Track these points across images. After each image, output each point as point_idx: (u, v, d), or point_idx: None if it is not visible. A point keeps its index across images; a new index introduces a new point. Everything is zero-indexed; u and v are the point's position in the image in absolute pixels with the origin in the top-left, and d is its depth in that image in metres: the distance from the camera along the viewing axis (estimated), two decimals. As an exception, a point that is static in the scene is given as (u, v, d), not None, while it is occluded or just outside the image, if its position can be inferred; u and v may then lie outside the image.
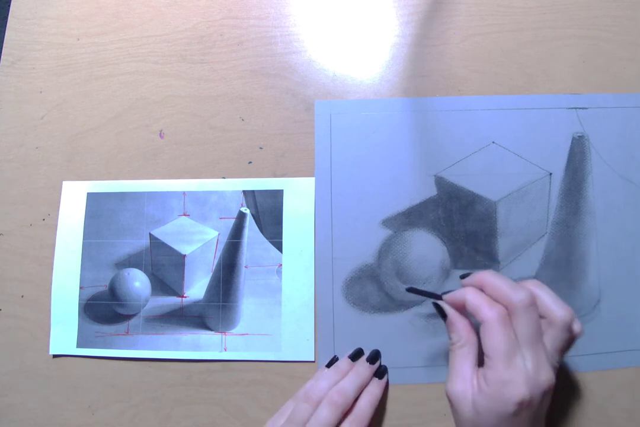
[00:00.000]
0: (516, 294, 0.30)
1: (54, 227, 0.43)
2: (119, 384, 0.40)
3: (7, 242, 0.43)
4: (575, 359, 0.39)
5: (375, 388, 0.37)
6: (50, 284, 0.42)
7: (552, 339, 0.30)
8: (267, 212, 0.42)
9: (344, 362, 0.38)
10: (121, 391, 0.40)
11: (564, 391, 0.39)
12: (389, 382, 0.39)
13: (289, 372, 0.40)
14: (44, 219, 0.43)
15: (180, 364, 0.40)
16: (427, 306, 0.40)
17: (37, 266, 0.42)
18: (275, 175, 0.43)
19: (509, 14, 0.46)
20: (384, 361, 0.39)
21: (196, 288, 0.41)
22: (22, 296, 0.42)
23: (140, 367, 0.40)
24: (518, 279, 0.40)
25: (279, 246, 0.41)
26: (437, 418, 0.39)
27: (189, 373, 0.40)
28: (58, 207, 0.43)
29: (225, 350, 0.40)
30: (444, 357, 0.39)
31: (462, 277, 0.35)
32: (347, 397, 0.34)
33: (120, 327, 0.41)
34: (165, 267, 0.42)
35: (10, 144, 0.45)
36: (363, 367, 0.37)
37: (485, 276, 0.32)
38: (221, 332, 0.40)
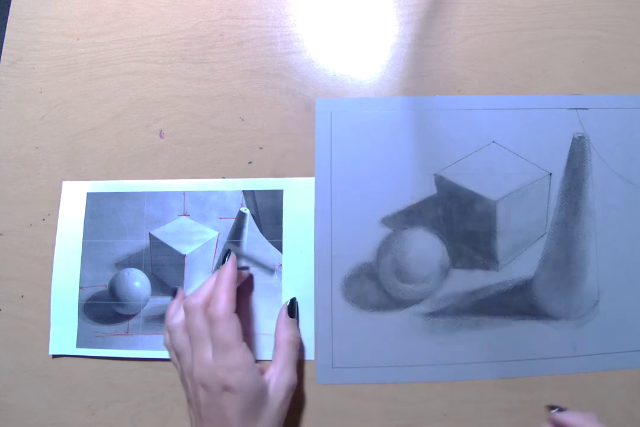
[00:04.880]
0: None
1: (54, 227, 0.43)
2: (119, 384, 0.40)
3: (7, 242, 0.43)
4: (575, 360, 0.39)
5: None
6: (51, 284, 0.42)
7: None
8: (267, 212, 0.42)
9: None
10: (121, 391, 0.40)
11: (564, 391, 0.39)
12: (388, 382, 0.39)
13: (289, 372, 0.40)
14: (44, 219, 0.43)
15: (180, 364, 0.40)
16: (426, 305, 0.40)
17: (37, 265, 0.42)
18: (275, 176, 0.43)
19: (509, 14, 0.46)
20: (384, 360, 0.39)
21: (196, 288, 0.41)
22: (22, 296, 0.42)
23: (140, 367, 0.40)
24: (517, 279, 0.40)
25: (279, 246, 0.41)
26: (437, 418, 0.39)
27: (188, 373, 0.40)
28: (58, 207, 0.43)
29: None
30: (443, 356, 0.39)
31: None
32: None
33: (120, 327, 0.41)
34: (165, 267, 0.42)
35: (10, 144, 0.45)
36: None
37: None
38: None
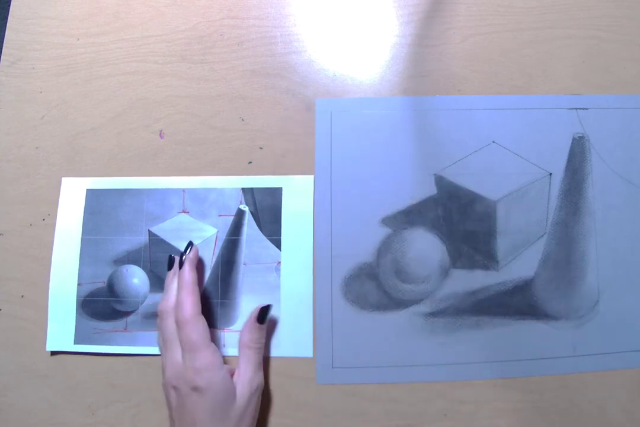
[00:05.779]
0: None
1: (53, 227, 0.42)
2: (119, 384, 0.40)
3: (7, 242, 0.43)
4: (575, 360, 0.39)
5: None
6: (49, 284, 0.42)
7: None
8: (266, 209, 0.42)
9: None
10: (121, 391, 0.40)
11: (564, 391, 0.39)
12: (388, 382, 0.39)
13: (289, 372, 0.40)
14: (44, 219, 0.43)
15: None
16: (426, 305, 0.40)
17: (37, 265, 0.42)
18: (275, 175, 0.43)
19: (509, 14, 0.46)
20: (384, 360, 0.39)
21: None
22: (22, 296, 0.42)
23: (140, 367, 0.40)
24: (517, 279, 0.40)
25: (277, 244, 0.41)
26: (437, 418, 0.39)
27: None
28: (58, 206, 0.43)
29: (224, 347, 0.40)
30: (442, 356, 0.39)
31: None
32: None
33: (119, 323, 0.41)
34: (164, 264, 0.42)
35: (10, 144, 0.45)
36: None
37: None
38: (220, 329, 0.40)
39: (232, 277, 0.41)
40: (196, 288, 0.37)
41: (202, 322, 0.36)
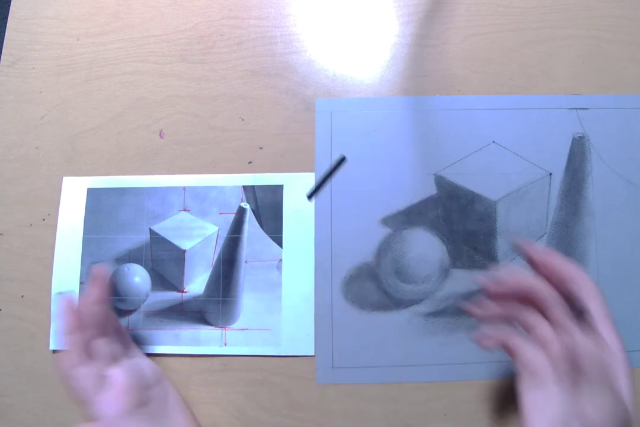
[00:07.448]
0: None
1: (54, 227, 0.43)
2: (119, 384, 0.40)
3: (7, 242, 0.43)
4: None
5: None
6: (50, 283, 0.42)
7: None
8: (267, 207, 0.42)
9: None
10: (121, 391, 0.40)
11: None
12: (388, 382, 0.39)
13: (290, 372, 0.40)
14: (44, 219, 0.43)
15: (180, 364, 0.40)
16: (426, 305, 0.40)
17: (37, 265, 0.42)
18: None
19: (509, 14, 0.46)
20: (384, 360, 0.39)
21: (196, 283, 0.41)
22: (22, 296, 0.42)
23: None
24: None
25: (279, 241, 0.42)
26: (437, 418, 0.39)
27: (189, 373, 0.40)
28: (58, 206, 0.43)
29: (225, 345, 0.40)
30: (442, 356, 0.39)
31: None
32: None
33: (121, 322, 0.41)
34: (165, 262, 0.42)
35: (10, 144, 0.45)
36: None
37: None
38: (221, 327, 0.40)
39: (233, 275, 0.41)
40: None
41: None
